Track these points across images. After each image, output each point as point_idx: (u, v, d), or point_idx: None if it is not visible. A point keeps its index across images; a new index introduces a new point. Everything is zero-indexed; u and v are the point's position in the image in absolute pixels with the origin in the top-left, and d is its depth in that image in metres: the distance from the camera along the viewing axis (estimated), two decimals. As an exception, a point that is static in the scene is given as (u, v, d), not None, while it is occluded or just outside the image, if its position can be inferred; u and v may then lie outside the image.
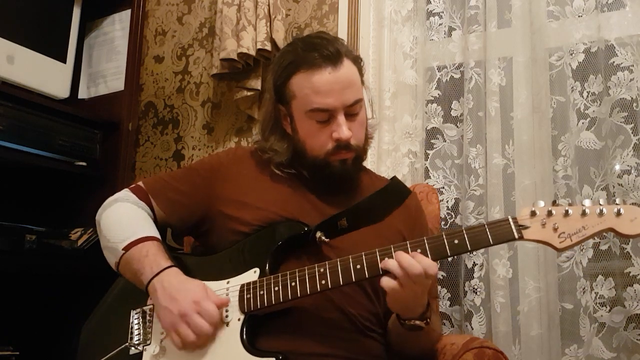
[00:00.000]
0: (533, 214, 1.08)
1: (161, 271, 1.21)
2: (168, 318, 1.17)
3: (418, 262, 1.08)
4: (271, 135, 1.38)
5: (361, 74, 1.34)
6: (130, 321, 1.26)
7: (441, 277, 1.84)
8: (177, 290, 1.18)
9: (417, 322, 1.17)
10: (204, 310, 1.15)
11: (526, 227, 1.08)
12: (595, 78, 1.72)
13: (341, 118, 1.26)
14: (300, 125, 1.31)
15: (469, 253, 1.76)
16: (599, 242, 1.65)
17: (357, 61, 1.33)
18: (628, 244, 1.61)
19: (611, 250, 1.63)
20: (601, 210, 1.04)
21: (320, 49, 1.26)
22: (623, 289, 1.59)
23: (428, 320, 1.18)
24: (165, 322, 1.18)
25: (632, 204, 1.08)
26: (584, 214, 1.05)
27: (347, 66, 1.28)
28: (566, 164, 1.71)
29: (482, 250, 1.75)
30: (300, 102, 1.29)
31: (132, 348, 1.23)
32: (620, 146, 1.64)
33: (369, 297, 1.26)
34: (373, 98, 1.84)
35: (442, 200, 1.88)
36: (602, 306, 1.62)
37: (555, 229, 1.06)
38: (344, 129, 1.26)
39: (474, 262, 1.76)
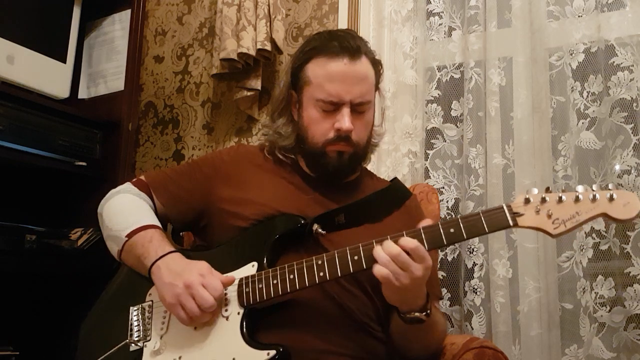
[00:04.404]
0: (527, 201, 1.08)
1: (167, 254, 1.23)
2: (172, 291, 1.16)
3: (397, 243, 1.09)
4: (279, 118, 1.41)
5: (377, 79, 1.36)
6: (130, 318, 1.26)
7: (441, 277, 1.84)
8: (182, 268, 1.20)
9: (417, 314, 1.16)
10: (209, 283, 1.15)
11: (520, 214, 1.08)
12: (595, 78, 1.72)
13: (346, 110, 1.28)
14: (307, 112, 1.33)
15: (469, 253, 1.77)
16: (599, 242, 1.65)
17: (376, 64, 1.35)
18: (628, 244, 1.61)
19: (611, 250, 1.63)
20: (594, 196, 1.04)
21: (341, 40, 1.29)
22: (623, 289, 1.59)
23: (428, 312, 1.17)
24: (169, 297, 1.17)
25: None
26: (577, 200, 1.05)
27: (364, 64, 1.31)
28: (566, 164, 1.71)
29: (482, 250, 1.76)
30: (312, 89, 1.31)
31: (132, 344, 1.23)
32: (620, 146, 1.64)
33: (368, 294, 1.26)
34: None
35: (442, 200, 1.88)
36: (602, 306, 1.61)
37: (549, 216, 1.06)
38: (346, 120, 1.28)
39: (474, 262, 1.76)
